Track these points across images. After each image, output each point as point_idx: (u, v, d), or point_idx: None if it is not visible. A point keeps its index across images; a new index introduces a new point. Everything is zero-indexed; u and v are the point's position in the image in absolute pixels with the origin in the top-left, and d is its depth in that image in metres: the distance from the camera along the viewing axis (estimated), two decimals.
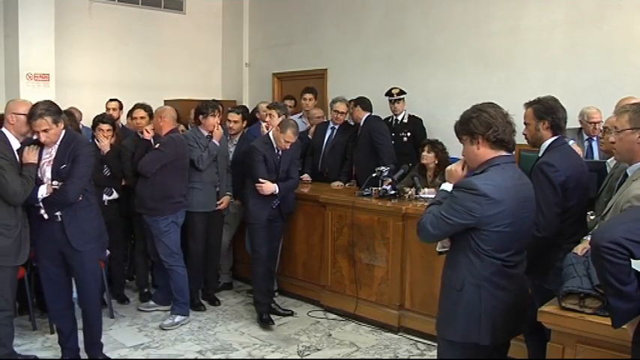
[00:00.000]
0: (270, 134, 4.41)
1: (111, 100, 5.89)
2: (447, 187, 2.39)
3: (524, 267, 2.41)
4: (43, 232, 3.43)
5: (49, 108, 3.32)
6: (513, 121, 2.32)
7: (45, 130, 3.29)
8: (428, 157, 4.63)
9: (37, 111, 3.28)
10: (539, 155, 2.92)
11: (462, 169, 2.39)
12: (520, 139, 3.36)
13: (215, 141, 4.69)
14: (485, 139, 2.26)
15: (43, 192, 3.33)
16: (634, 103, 2.53)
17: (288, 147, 4.33)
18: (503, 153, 2.30)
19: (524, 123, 2.93)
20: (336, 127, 5.60)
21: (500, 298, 2.29)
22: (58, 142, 3.38)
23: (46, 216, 3.39)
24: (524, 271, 2.96)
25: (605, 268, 1.64)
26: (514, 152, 2.44)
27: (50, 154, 3.39)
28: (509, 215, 2.23)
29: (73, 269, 3.52)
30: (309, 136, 5.79)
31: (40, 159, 3.37)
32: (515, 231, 2.27)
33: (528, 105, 2.92)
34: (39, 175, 3.35)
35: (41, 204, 3.35)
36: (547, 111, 2.85)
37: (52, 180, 3.33)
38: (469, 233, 2.25)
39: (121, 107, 5.92)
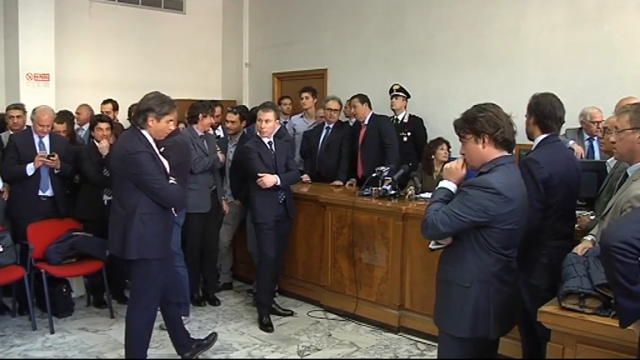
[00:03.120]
0: (258, 132, 4.40)
1: (105, 102, 5.88)
2: (448, 184, 2.39)
3: (516, 260, 2.48)
4: (169, 226, 3.46)
5: None
6: (514, 122, 2.35)
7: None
8: (447, 156, 4.80)
9: (173, 101, 3.31)
10: (531, 150, 2.99)
11: (462, 167, 2.39)
12: (519, 139, 3.40)
13: (220, 156, 4.72)
14: (491, 139, 2.28)
15: None
16: (634, 103, 2.54)
17: (264, 128, 4.25)
18: (506, 153, 2.32)
19: (525, 115, 3.01)
20: (331, 126, 5.61)
21: (504, 293, 2.34)
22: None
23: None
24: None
25: (615, 267, 1.64)
26: (514, 152, 2.45)
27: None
28: (518, 213, 2.28)
29: None
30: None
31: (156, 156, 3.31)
32: (519, 228, 2.33)
33: (530, 99, 3.01)
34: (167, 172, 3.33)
35: None
36: (535, 108, 2.94)
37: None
38: (478, 231, 2.26)
39: (116, 108, 5.92)
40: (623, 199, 2.37)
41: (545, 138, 2.93)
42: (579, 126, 4.61)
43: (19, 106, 5.05)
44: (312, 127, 5.92)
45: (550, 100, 2.94)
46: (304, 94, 6.09)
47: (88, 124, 5.86)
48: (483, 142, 2.29)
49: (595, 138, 4.48)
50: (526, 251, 2.84)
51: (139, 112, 3.25)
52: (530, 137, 3.02)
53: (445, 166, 2.47)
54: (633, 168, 2.46)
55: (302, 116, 6.17)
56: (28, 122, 4.89)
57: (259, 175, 4.23)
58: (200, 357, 3.84)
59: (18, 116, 4.92)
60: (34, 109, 4.62)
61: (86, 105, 5.96)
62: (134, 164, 3.13)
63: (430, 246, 2.48)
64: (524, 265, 2.90)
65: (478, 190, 2.22)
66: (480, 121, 2.28)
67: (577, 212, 3.34)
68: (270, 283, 4.49)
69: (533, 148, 2.97)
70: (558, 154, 2.94)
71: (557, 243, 2.87)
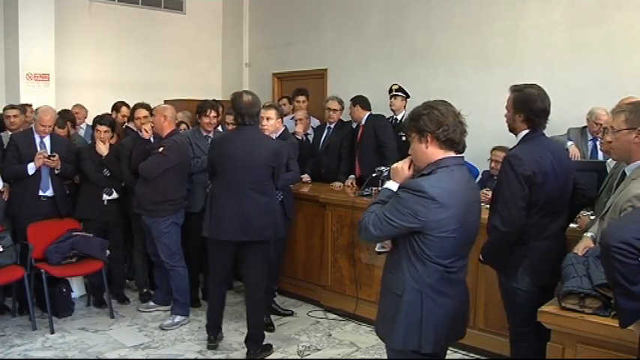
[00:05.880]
0: None
1: (124, 104, 5.72)
2: (392, 185, 2.26)
3: (466, 272, 2.31)
4: None
5: None
6: (465, 121, 2.21)
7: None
8: None
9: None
10: (514, 146, 2.88)
11: (409, 167, 2.27)
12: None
13: None
14: (434, 138, 2.15)
15: None
16: (630, 103, 2.54)
17: (265, 126, 4.18)
18: (453, 154, 2.19)
19: (506, 107, 2.89)
20: (332, 126, 5.62)
21: (442, 306, 2.19)
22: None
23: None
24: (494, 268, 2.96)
25: (615, 267, 1.63)
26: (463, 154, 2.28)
27: None
28: (455, 221, 2.12)
29: None
30: (298, 137, 5.72)
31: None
32: (460, 237, 2.16)
33: (512, 91, 2.87)
34: None
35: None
36: (524, 103, 2.78)
37: None
38: (413, 237, 2.13)
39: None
40: (622, 199, 2.36)
41: (528, 133, 2.79)
42: (583, 125, 4.59)
43: (23, 106, 5.06)
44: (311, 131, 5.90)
45: (537, 93, 2.80)
46: (300, 98, 6.07)
47: (84, 124, 5.86)
48: (427, 141, 2.15)
49: (598, 138, 4.46)
50: (509, 253, 2.76)
51: (252, 114, 3.64)
52: (514, 131, 2.87)
53: (392, 165, 2.34)
54: (631, 167, 2.45)
55: (292, 118, 6.13)
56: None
57: None
58: (200, 357, 3.86)
59: (14, 115, 4.92)
60: (36, 109, 4.63)
61: (79, 105, 5.95)
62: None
63: (376, 249, 2.39)
64: (505, 269, 2.82)
65: (409, 194, 2.09)
66: (422, 119, 2.15)
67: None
68: (270, 283, 4.49)
69: (517, 143, 2.84)
70: (542, 150, 2.78)
71: (542, 244, 2.74)
